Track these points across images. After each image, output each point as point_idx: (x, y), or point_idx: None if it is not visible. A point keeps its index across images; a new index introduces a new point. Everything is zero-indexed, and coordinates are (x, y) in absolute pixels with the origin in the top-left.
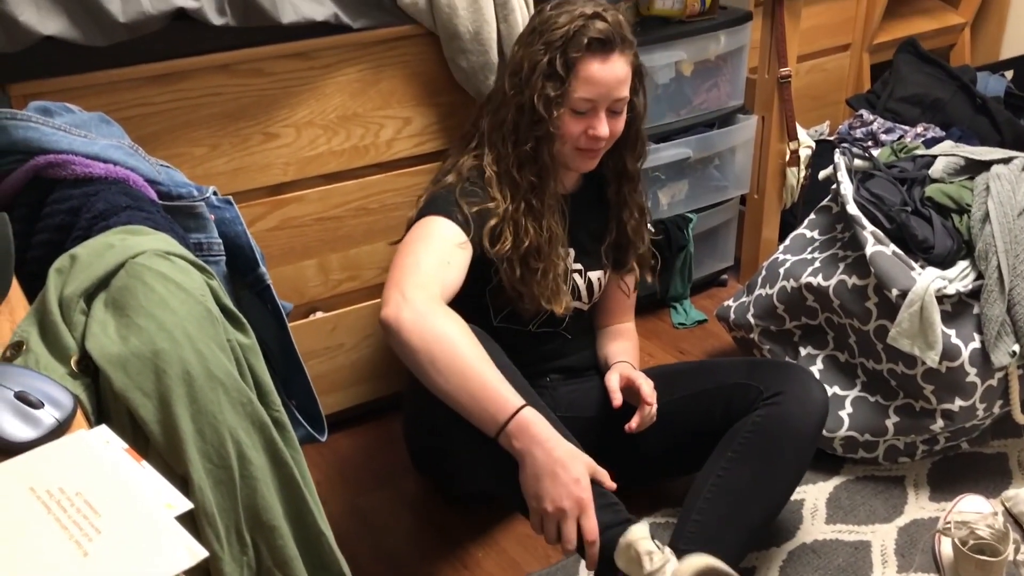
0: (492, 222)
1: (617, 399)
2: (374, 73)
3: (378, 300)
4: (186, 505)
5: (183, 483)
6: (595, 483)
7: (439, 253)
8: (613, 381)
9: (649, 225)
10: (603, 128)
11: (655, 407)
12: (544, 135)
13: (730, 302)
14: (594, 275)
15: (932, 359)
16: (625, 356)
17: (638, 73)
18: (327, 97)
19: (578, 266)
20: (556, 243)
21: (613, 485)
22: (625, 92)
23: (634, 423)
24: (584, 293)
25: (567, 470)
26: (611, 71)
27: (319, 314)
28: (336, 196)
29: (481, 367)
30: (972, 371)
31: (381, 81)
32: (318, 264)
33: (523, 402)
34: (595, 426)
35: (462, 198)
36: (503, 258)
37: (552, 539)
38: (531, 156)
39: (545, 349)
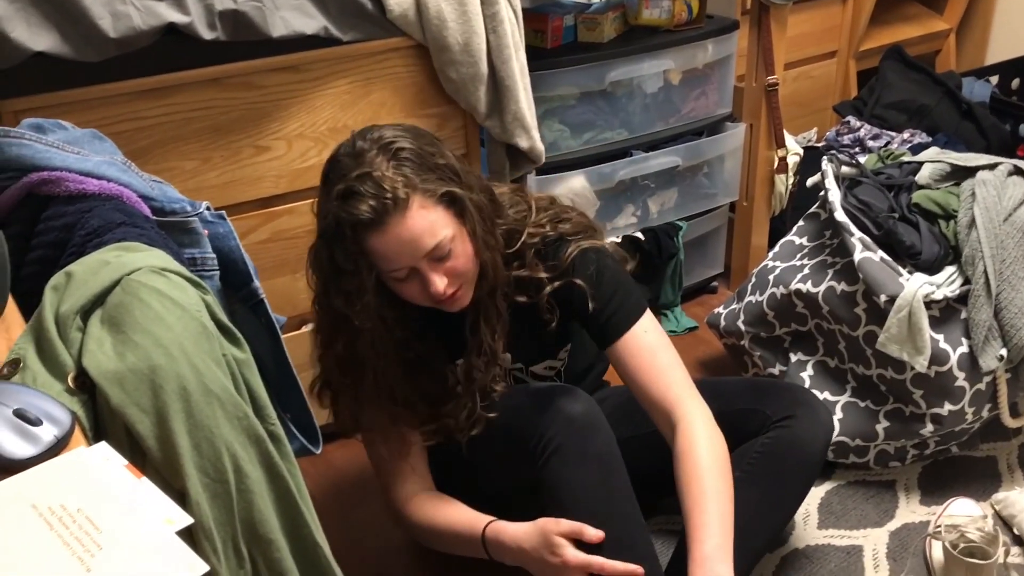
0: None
1: None
2: (364, 85)
3: None
4: (186, 520)
5: (180, 497)
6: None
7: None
8: None
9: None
10: (437, 283)
11: None
12: (353, 334)
13: (720, 309)
14: (539, 367)
15: (921, 364)
16: (699, 531)
17: (452, 203)
18: (317, 110)
19: (518, 365)
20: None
21: (595, 534)
22: (436, 238)
23: None
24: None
25: (542, 550)
26: (398, 237)
27: (311, 326)
28: None
29: (450, 539)
30: (960, 375)
31: (371, 93)
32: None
33: (484, 523)
34: None
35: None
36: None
37: None
38: (344, 357)
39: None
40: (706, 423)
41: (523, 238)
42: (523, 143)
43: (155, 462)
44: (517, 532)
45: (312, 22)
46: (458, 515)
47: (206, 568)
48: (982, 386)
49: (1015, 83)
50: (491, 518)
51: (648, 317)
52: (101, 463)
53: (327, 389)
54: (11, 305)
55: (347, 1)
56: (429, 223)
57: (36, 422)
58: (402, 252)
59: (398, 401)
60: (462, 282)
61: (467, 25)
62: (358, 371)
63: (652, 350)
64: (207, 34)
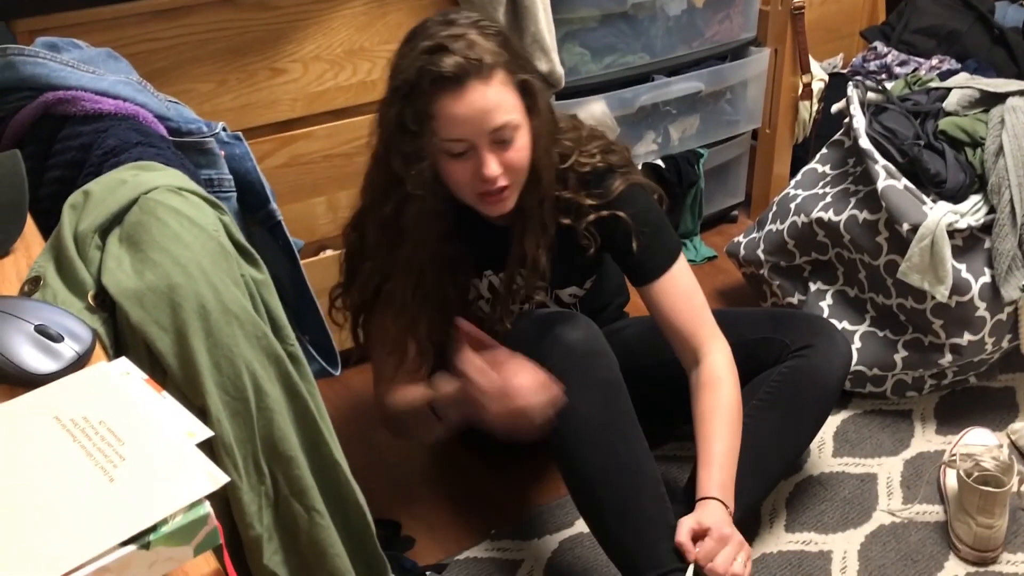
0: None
1: (691, 554)
2: (380, 6)
3: None
4: (207, 433)
5: (201, 414)
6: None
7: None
8: (684, 532)
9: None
10: (491, 166)
11: None
12: (403, 198)
13: (740, 238)
14: (565, 293)
15: (942, 294)
16: (713, 470)
17: (527, 94)
18: (333, 31)
19: (543, 284)
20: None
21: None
22: (504, 118)
23: None
24: (553, 306)
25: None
26: (472, 104)
27: (329, 252)
28: (344, 132)
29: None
30: (982, 305)
31: (388, 15)
32: (327, 202)
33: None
34: None
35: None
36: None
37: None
38: (390, 219)
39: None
40: (728, 363)
41: (572, 162)
42: (543, 66)
43: (175, 379)
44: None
45: None
46: (410, 392)
47: (226, 479)
48: (1003, 316)
49: None
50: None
51: (683, 259)
52: (122, 377)
53: (353, 264)
54: (30, 224)
55: None
56: (504, 100)
57: (57, 338)
58: (470, 121)
59: (420, 291)
60: (512, 180)
61: None
62: (397, 239)
63: (687, 293)
64: None
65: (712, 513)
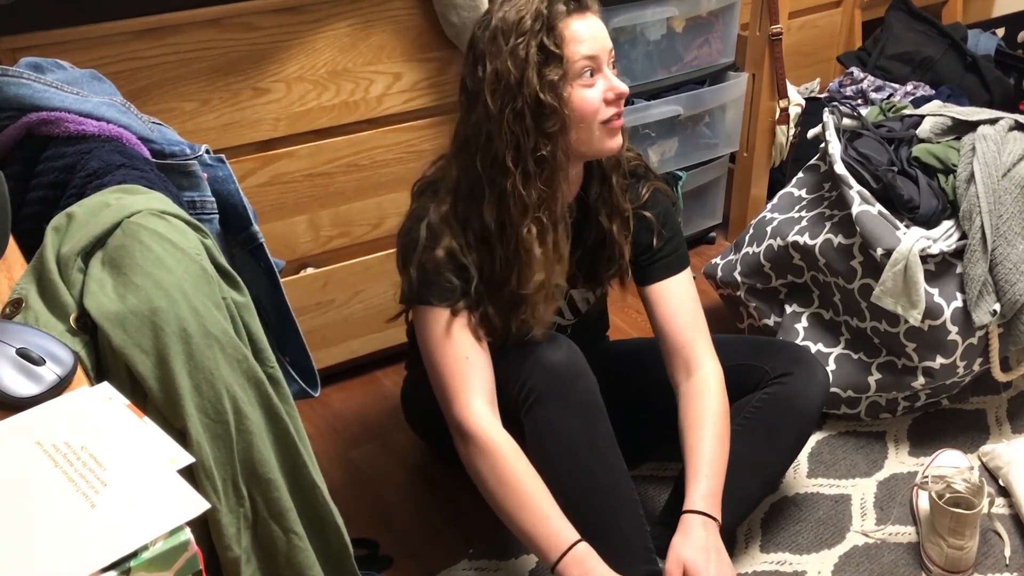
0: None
1: None
2: (364, 28)
3: (369, 256)
4: (188, 459)
5: (181, 437)
6: None
7: (465, 357)
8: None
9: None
10: (619, 82)
11: None
12: (559, 128)
13: (718, 260)
14: (578, 294)
15: (915, 317)
16: (701, 480)
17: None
18: (317, 52)
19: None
20: (559, 260)
21: None
22: (611, 44)
23: None
24: (567, 311)
25: None
26: (594, 26)
27: (310, 270)
28: (326, 152)
29: (539, 498)
30: (954, 329)
31: (371, 36)
32: (308, 220)
33: (576, 537)
34: None
35: (436, 270)
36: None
37: None
38: (543, 160)
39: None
40: (719, 378)
41: (623, 154)
42: None
43: (156, 402)
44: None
45: None
46: (541, 498)
47: (207, 505)
48: (974, 340)
49: (1021, 36)
50: (577, 536)
51: (690, 269)
52: (104, 403)
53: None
54: (12, 245)
55: None
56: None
57: (39, 361)
58: (597, 39)
59: (507, 251)
60: (623, 108)
61: None
62: (521, 215)
63: (692, 300)
64: None
65: (695, 540)
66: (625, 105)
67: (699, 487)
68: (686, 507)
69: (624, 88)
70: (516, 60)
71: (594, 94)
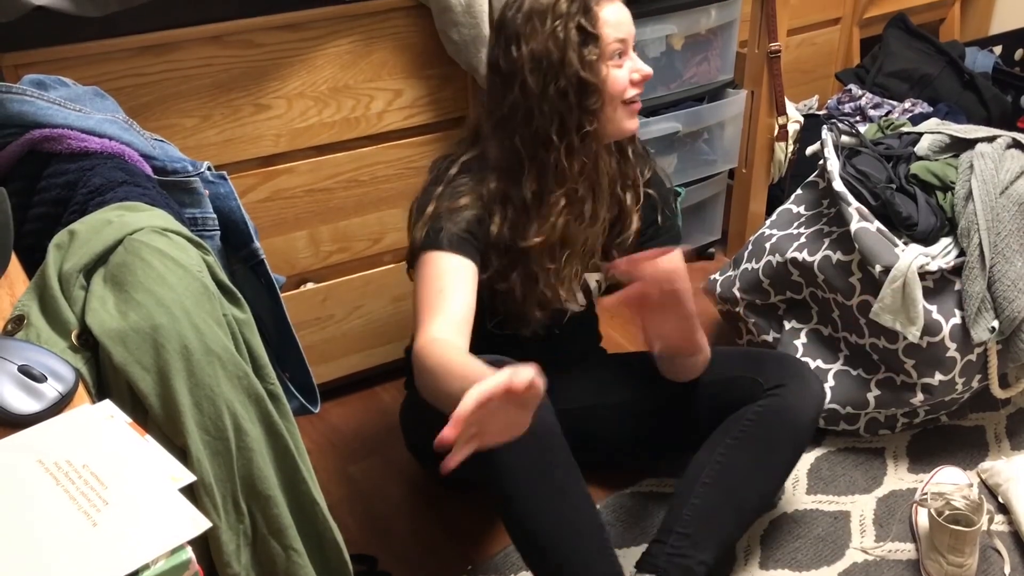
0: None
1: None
2: (365, 45)
3: (369, 272)
4: (189, 477)
5: (181, 454)
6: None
7: (449, 289)
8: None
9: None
10: (644, 64)
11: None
12: (600, 104)
13: (716, 276)
14: (591, 277)
15: (913, 334)
16: None
17: None
18: (318, 69)
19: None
20: (594, 227)
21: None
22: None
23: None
24: (580, 296)
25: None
26: (622, 9)
27: (310, 285)
28: (327, 168)
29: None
30: (952, 346)
31: (372, 53)
32: (309, 235)
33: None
34: (591, 414)
35: (452, 221)
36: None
37: None
38: (588, 136)
39: (537, 350)
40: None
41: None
42: None
43: (157, 419)
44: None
45: None
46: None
47: (208, 524)
48: (973, 357)
49: (1018, 54)
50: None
51: None
52: (106, 420)
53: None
54: (14, 261)
55: None
56: None
57: (40, 378)
58: (625, 22)
59: (540, 219)
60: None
61: None
62: (545, 152)
63: (684, 275)
64: None
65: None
66: None
67: None
68: None
69: (649, 70)
70: (556, 40)
71: (623, 74)
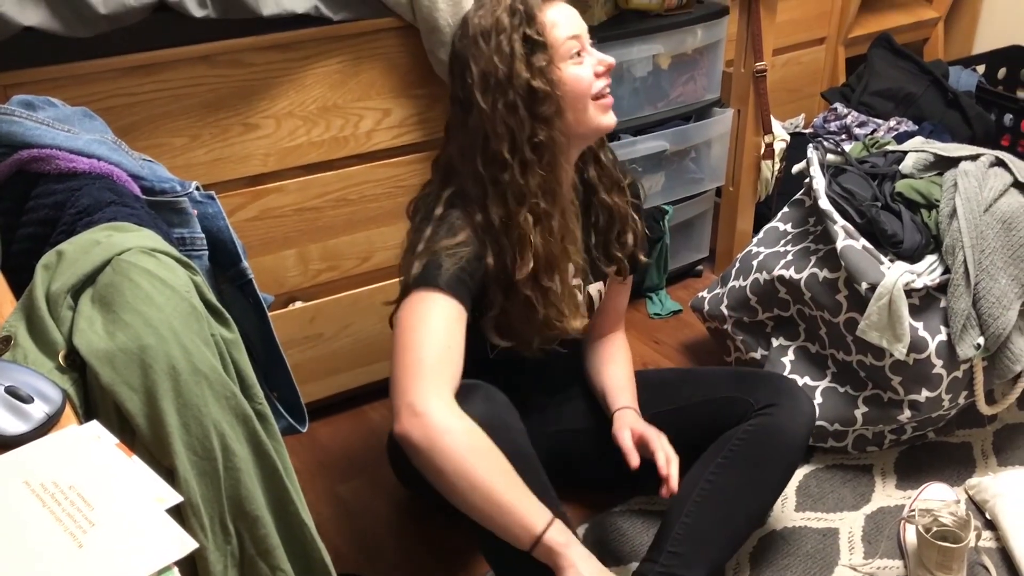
0: (490, 260)
1: (634, 460)
2: (354, 65)
3: (358, 290)
4: (176, 499)
5: (169, 475)
6: None
7: (440, 339)
8: (625, 439)
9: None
10: (604, 55)
11: (675, 476)
12: (555, 111)
13: (704, 293)
14: (593, 288)
15: (900, 351)
16: (626, 392)
17: None
18: (307, 88)
19: (576, 282)
20: (571, 242)
21: None
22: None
23: (666, 492)
24: (584, 310)
25: None
26: (566, 9)
27: (298, 304)
28: (315, 187)
29: (505, 483)
30: (938, 363)
31: (361, 73)
32: (297, 254)
33: (549, 517)
34: (583, 437)
35: (451, 258)
36: (513, 286)
37: None
38: (541, 146)
39: (535, 371)
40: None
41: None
42: None
43: (144, 440)
44: (585, 555)
45: (303, 1)
46: (514, 479)
47: (195, 545)
48: (959, 374)
49: (1001, 73)
50: (552, 516)
51: None
52: (92, 441)
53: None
54: (1, 282)
55: None
56: None
57: (27, 399)
58: (573, 18)
59: (511, 241)
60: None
61: (457, 7)
62: (501, 171)
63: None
64: (197, 11)
65: (635, 418)
66: (611, 141)
67: (626, 395)
68: (619, 406)
69: (611, 60)
70: (502, 56)
71: (585, 71)
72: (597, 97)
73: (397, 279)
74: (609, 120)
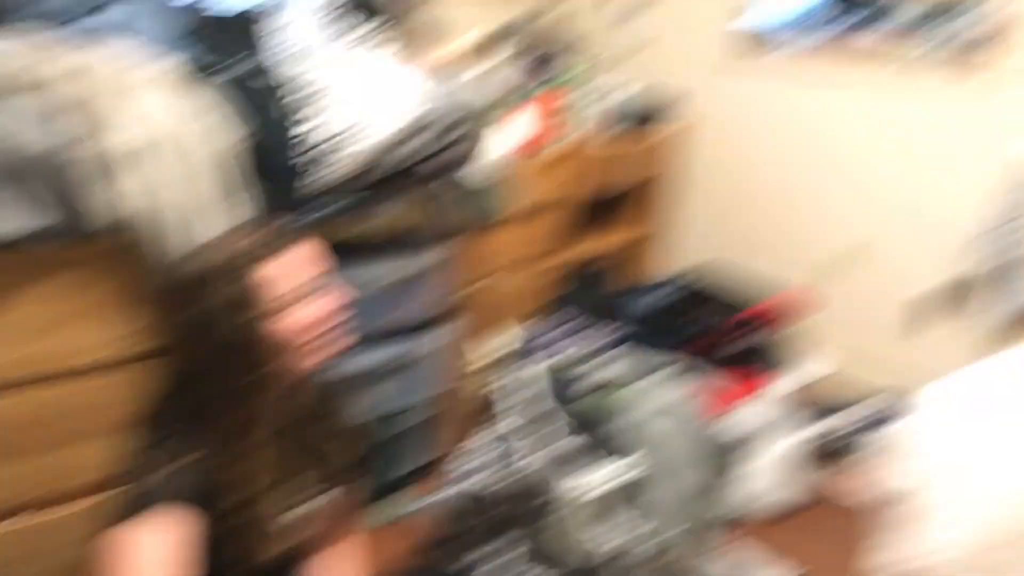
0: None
1: None
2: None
3: None
4: None
5: None
6: None
7: None
8: None
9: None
10: (327, 301)
11: None
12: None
13: (424, 501)
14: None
15: None
16: None
17: None
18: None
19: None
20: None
21: None
22: None
23: None
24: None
25: None
26: (300, 254)
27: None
28: None
29: None
30: None
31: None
32: None
33: None
34: None
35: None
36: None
37: None
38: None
39: None
40: None
41: None
42: None
43: None
44: None
45: None
46: None
47: None
48: None
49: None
50: None
51: None
52: None
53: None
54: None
55: None
56: None
57: None
58: (294, 270)
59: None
60: None
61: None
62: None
63: None
64: None
65: None
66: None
67: None
68: None
69: (329, 309)
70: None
71: (297, 321)
72: (305, 343)
73: None
74: (311, 362)
